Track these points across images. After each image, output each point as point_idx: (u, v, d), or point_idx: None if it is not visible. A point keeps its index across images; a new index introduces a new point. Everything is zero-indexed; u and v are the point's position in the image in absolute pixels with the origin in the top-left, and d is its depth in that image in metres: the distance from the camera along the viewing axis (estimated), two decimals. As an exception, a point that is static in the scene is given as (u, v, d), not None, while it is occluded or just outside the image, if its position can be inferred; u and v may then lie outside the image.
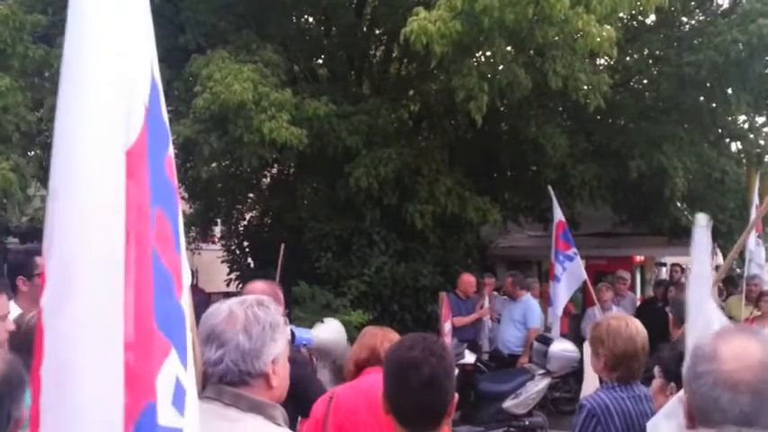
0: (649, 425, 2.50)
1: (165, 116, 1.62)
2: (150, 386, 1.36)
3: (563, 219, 8.45)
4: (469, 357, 8.52)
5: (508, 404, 7.65)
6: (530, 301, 8.93)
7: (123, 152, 1.39)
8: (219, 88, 7.46)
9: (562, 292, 8.40)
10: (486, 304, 9.28)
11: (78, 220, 1.35)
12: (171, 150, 1.60)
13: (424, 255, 10.43)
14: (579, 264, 8.27)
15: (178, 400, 1.43)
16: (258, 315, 1.85)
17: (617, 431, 2.83)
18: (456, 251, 10.85)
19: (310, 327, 9.09)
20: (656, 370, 2.76)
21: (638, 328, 3.01)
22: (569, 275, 8.32)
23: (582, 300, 11.33)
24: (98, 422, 1.29)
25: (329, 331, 4.54)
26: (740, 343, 1.50)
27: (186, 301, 1.56)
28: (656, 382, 2.75)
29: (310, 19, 11.29)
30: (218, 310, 1.85)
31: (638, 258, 14.45)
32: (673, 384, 2.61)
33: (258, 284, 3.24)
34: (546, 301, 10.50)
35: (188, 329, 1.55)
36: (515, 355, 8.66)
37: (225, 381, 1.79)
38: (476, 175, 10.57)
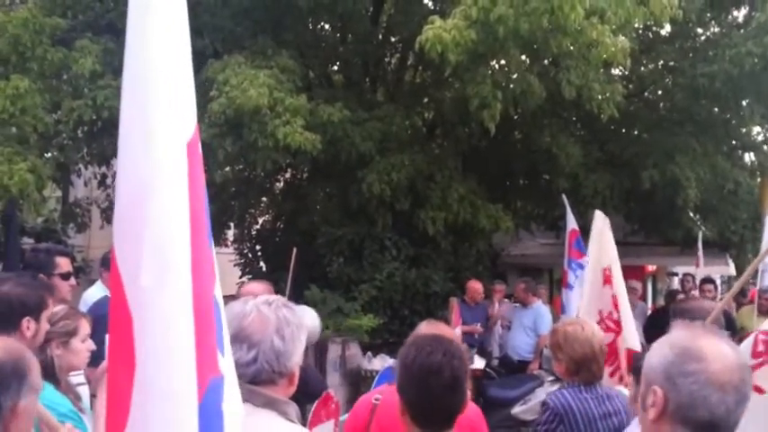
0: None
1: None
2: (214, 362, 1.42)
3: (576, 227, 8.45)
4: (479, 363, 8.53)
5: (517, 410, 7.65)
6: (541, 308, 8.94)
7: (185, 144, 1.44)
8: (235, 93, 7.53)
9: (574, 300, 8.40)
10: (496, 310, 9.31)
11: (162, 210, 1.39)
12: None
13: (436, 261, 10.46)
14: (591, 272, 8.26)
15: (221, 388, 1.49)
16: (288, 317, 1.91)
17: (578, 429, 2.90)
18: (467, 258, 10.87)
19: (321, 332, 9.19)
20: (632, 379, 2.81)
21: (593, 331, 3.11)
22: (581, 284, 8.31)
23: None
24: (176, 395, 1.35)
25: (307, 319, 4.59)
26: (717, 344, 1.59)
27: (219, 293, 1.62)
28: (632, 390, 2.79)
29: (326, 26, 11.37)
30: (245, 310, 1.89)
31: (650, 268, 14.42)
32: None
33: (255, 285, 3.25)
34: (556, 308, 10.50)
35: (223, 320, 1.60)
36: (525, 361, 8.67)
37: (256, 380, 1.83)
38: (488, 182, 10.59)
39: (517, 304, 9.38)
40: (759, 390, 2.07)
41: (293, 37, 9.73)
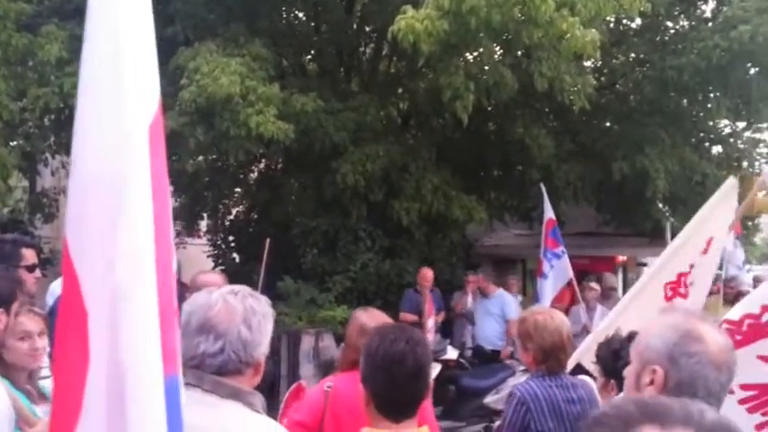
0: None
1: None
2: (176, 357, 1.40)
3: (553, 217, 8.52)
4: (452, 353, 8.60)
5: (489, 400, 7.73)
6: (504, 295, 9.07)
7: (147, 127, 1.40)
8: (206, 81, 7.45)
9: (549, 290, 8.48)
10: (470, 302, 9.37)
11: (119, 197, 1.35)
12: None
13: (410, 252, 10.48)
14: (566, 262, 8.34)
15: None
16: (254, 306, 1.89)
17: (545, 417, 2.96)
18: (441, 249, 10.90)
19: (294, 323, 9.20)
20: (597, 369, 2.86)
21: (562, 320, 3.16)
22: (556, 273, 8.40)
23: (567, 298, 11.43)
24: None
25: None
26: (710, 328, 1.72)
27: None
28: (599, 380, 2.85)
29: (300, 14, 11.29)
30: (210, 301, 1.86)
31: (621, 258, 14.59)
32: (613, 381, 2.69)
33: (210, 276, 3.21)
34: (529, 298, 10.59)
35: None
36: (498, 350, 8.75)
37: (223, 371, 1.82)
38: (462, 173, 10.62)
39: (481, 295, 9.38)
40: None
41: (266, 25, 9.65)
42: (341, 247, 10.07)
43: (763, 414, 2.31)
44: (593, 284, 9.53)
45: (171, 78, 8.62)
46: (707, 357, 1.65)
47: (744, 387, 2.27)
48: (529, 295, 11.32)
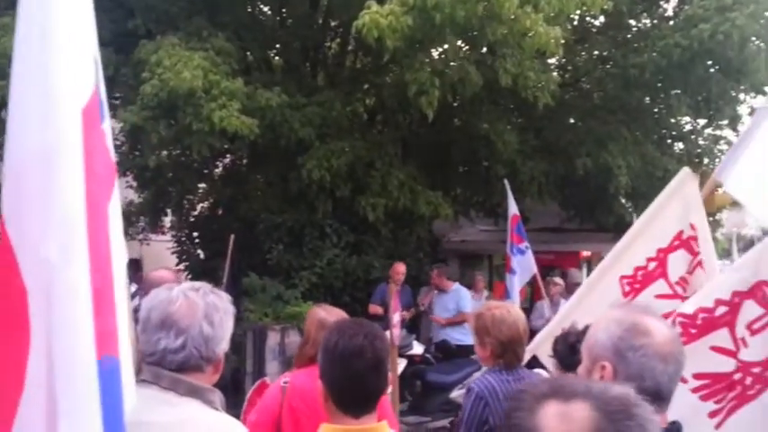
0: None
1: (104, 90, 1.63)
2: (114, 340, 1.38)
3: (517, 212, 8.59)
4: (418, 348, 8.63)
5: (455, 394, 7.77)
6: (460, 290, 9.11)
7: (80, 110, 1.39)
8: (168, 75, 7.35)
9: (516, 285, 8.56)
10: (436, 296, 9.40)
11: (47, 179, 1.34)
12: (107, 125, 1.61)
13: (376, 248, 10.48)
14: (530, 257, 8.42)
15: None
16: (216, 302, 1.89)
17: (503, 411, 2.96)
18: (408, 244, 10.93)
19: (260, 319, 9.13)
20: (553, 363, 2.89)
21: (519, 314, 3.19)
22: (521, 268, 8.48)
23: (531, 293, 11.55)
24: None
25: None
26: (655, 320, 1.73)
27: (121, 282, 1.57)
28: (556, 374, 2.88)
29: (265, 8, 11.19)
30: (171, 297, 1.85)
31: (585, 253, 14.77)
32: (569, 375, 2.72)
33: (162, 272, 3.18)
34: (497, 294, 10.66)
35: (124, 309, 1.56)
36: (462, 345, 8.80)
37: (184, 367, 1.81)
38: (428, 169, 10.65)
39: (436, 291, 9.42)
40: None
41: (230, 19, 9.54)
42: (307, 242, 10.03)
43: (716, 402, 2.36)
44: (558, 279, 9.65)
45: (132, 72, 8.51)
46: (653, 349, 1.66)
47: (697, 376, 2.32)
48: (496, 291, 11.42)
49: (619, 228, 11.53)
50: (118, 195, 1.59)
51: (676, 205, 3.46)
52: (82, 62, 1.44)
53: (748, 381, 2.35)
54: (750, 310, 2.39)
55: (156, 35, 8.47)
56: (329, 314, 3.11)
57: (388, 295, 8.68)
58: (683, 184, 3.49)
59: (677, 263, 3.44)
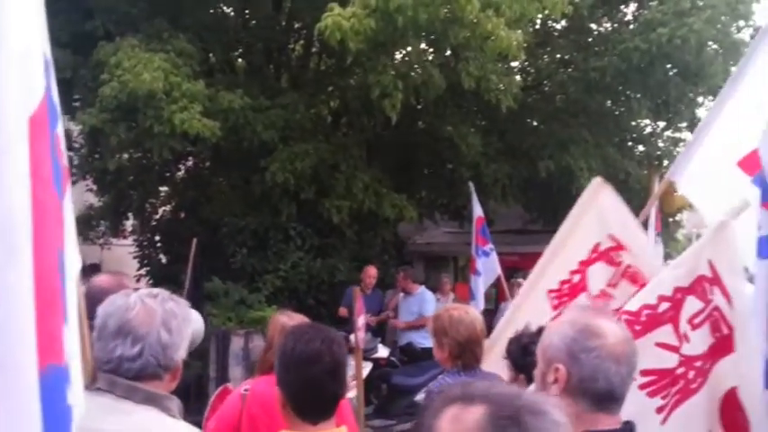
0: None
1: (56, 93, 1.58)
2: (60, 348, 1.33)
3: (482, 215, 8.63)
4: (383, 351, 8.62)
5: (420, 397, 7.77)
6: (425, 293, 9.12)
7: (27, 118, 1.34)
8: (128, 77, 7.26)
9: (481, 287, 8.60)
10: (401, 299, 9.40)
11: None
12: (60, 129, 1.56)
13: (341, 250, 10.45)
14: (495, 259, 8.47)
15: (68, 377, 1.40)
16: (174, 309, 1.86)
17: None
18: (373, 247, 10.92)
19: (223, 324, 9.03)
20: (506, 364, 2.91)
21: (476, 315, 3.23)
22: (485, 270, 8.52)
23: (495, 295, 11.63)
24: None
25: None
26: (607, 321, 1.74)
27: (72, 287, 1.53)
28: (509, 376, 2.90)
29: (227, 9, 11.09)
30: (129, 303, 1.82)
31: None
32: (522, 376, 2.74)
33: (104, 278, 3.08)
34: (461, 295, 10.70)
35: (74, 316, 1.52)
36: (427, 348, 8.80)
37: (141, 375, 1.77)
38: (393, 171, 10.66)
39: (402, 293, 9.44)
40: None
41: (192, 20, 9.43)
42: (271, 246, 9.96)
43: (663, 398, 2.39)
44: (521, 281, 9.72)
45: (91, 74, 8.36)
46: (605, 351, 1.67)
47: (644, 373, 2.35)
48: (460, 292, 11.46)
49: (581, 229, 11.70)
50: (71, 201, 1.55)
51: (591, 217, 3.42)
52: (30, 67, 1.39)
53: (691, 374, 2.39)
54: (691, 305, 2.42)
55: (115, 36, 8.34)
56: (292, 320, 3.08)
57: (353, 298, 8.66)
58: (597, 195, 3.45)
59: (596, 276, 3.40)
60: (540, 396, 0.97)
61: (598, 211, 3.40)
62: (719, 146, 3.33)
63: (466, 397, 0.96)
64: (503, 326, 3.58)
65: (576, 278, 3.44)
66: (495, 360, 3.20)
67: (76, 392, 1.45)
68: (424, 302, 8.95)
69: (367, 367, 7.92)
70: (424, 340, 8.76)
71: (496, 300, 11.46)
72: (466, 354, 3.09)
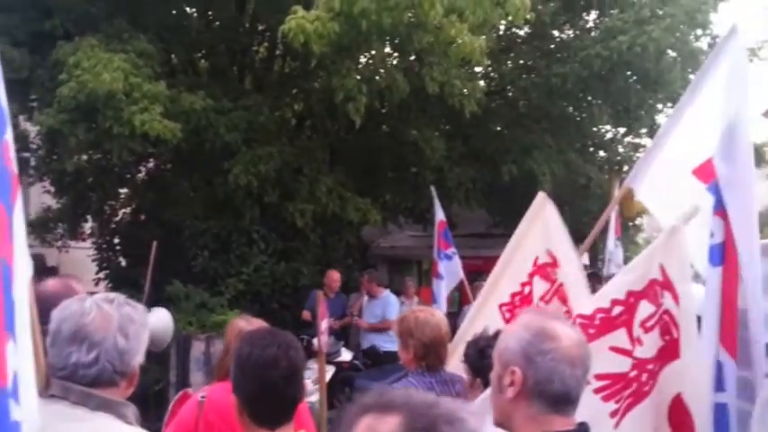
0: None
1: (4, 97, 1.54)
2: (2, 369, 1.30)
3: (444, 218, 8.67)
4: (346, 355, 8.61)
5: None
6: (389, 297, 9.15)
7: None
8: (87, 77, 7.13)
9: (443, 290, 8.63)
10: (365, 302, 9.40)
11: None
12: (9, 135, 1.53)
13: (305, 254, 10.41)
14: (457, 263, 8.50)
15: (15, 393, 1.38)
16: (131, 314, 1.83)
17: None
18: (336, 250, 10.91)
19: (184, 328, 8.91)
20: (464, 367, 2.94)
21: (441, 317, 3.26)
22: (448, 274, 8.56)
23: (458, 298, 11.69)
24: None
25: (154, 321, 4.38)
26: (562, 324, 1.77)
27: (23, 295, 1.50)
28: (467, 379, 2.93)
29: (190, 10, 10.97)
30: (84, 308, 1.78)
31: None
32: (479, 380, 2.77)
33: (51, 282, 2.99)
34: (425, 298, 10.74)
35: (25, 324, 1.49)
36: (390, 352, 8.81)
37: (97, 382, 1.74)
38: (357, 175, 10.66)
39: (366, 296, 9.44)
40: None
41: (153, 20, 9.30)
42: (234, 249, 9.86)
43: (617, 402, 2.42)
44: (484, 284, 9.79)
45: (49, 74, 8.20)
46: (560, 354, 1.69)
47: (598, 377, 2.37)
48: (424, 295, 11.50)
49: (543, 233, 11.84)
50: (23, 206, 1.52)
51: (536, 230, 3.46)
52: None
53: (643, 377, 2.42)
54: (644, 308, 2.44)
55: (74, 36, 8.19)
56: (250, 324, 3.04)
57: (316, 302, 8.62)
58: (542, 209, 3.50)
59: (537, 289, 3.45)
60: (456, 404, 0.96)
61: (542, 225, 3.43)
62: (677, 154, 3.38)
63: (382, 406, 0.94)
64: (461, 335, 3.60)
65: (527, 290, 3.48)
66: (456, 364, 3.21)
67: (27, 407, 1.42)
68: (388, 306, 8.96)
69: (330, 371, 7.90)
70: (386, 344, 8.78)
71: (460, 303, 11.52)
72: (431, 355, 3.11)
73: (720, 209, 2.59)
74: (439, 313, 3.31)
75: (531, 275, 3.46)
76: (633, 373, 2.41)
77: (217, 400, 2.87)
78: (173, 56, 10.13)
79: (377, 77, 8.20)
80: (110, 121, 7.46)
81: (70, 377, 1.75)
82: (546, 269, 3.41)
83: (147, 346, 1.87)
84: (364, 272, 9.94)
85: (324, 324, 7.95)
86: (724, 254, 2.54)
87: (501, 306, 3.55)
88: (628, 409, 2.41)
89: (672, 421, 2.37)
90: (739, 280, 2.52)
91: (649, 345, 2.41)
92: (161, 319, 4.53)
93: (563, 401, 1.70)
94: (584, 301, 2.76)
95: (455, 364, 3.20)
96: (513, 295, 3.53)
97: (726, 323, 2.49)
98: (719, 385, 2.44)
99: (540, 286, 3.44)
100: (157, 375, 8.29)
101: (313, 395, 6.18)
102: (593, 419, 2.13)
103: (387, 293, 9.19)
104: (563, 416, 1.71)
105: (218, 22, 10.66)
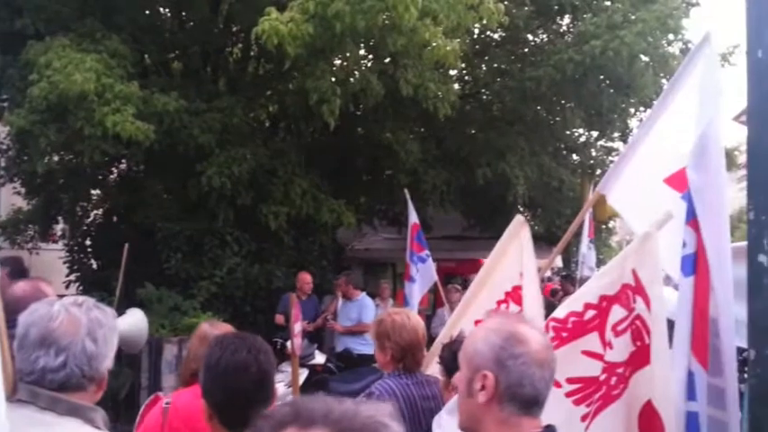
0: (435, 420, 2.71)
1: None
2: None
3: (417, 221, 8.69)
4: (320, 358, 8.58)
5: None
6: (365, 299, 9.15)
7: None
8: (58, 77, 7.03)
9: (416, 293, 8.64)
10: (340, 304, 9.38)
11: None
12: None
13: (278, 256, 10.37)
14: (431, 265, 8.52)
15: None
16: (100, 318, 1.82)
17: (402, 413, 3.03)
18: (311, 253, 10.87)
19: (156, 331, 8.83)
20: (439, 369, 2.96)
21: (418, 320, 3.29)
22: (422, 277, 8.57)
23: (433, 300, 11.73)
24: None
25: (129, 323, 4.34)
26: (529, 328, 1.79)
27: None
28: (441, 380, 2.96)
29: (163, 10, 10.87)
30: (52, 312, 1.77)
31: (485, 261, 15.17)
32: (453, 381, 2.80)
33: (20, 285, 2.94)
34: (400, 302, 10.75)
35: None
36: (364, 355, 8.81)
37: (65, 387, 1.72)
38: (331, 177, 10.64)
39: (343, 299, 9.43)
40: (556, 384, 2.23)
41: (126, 21, 9.20)
42: (207, 251, 9.79)
43: (587, 405, 2.44)
44: (458, 287, 9.85)
45: (20, 74, 8.08)
46: (531, 357, 1.72)
47: (570, 381, 2.39)
48: (399, 298, 11.52)
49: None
50: None
51: (513, 251, 3.44)
52: None
53: (613, 381, 2.43)
54: (616, 313, 2.46)
55: (45, 36, 8.07)
56: (215, 329, 3.00)
57: (289, 305, 8.58)
58: (518, 232, 3.45)
59: (513, 309, 3.43)
60: (377, 408, 0.92)
61: (517, 246, 3.46)
62: (649, 161, 3.41)
63: (302, 419, 0.89)
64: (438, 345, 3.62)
65: (503, 308, 3.47)
66: (435, 368, 3.24)
67: None
68: (363, 308, 8.96)
69: (304, 374, 7.88)
70: (361, 347, 8.78)
71: (434, 305, 11.56)
72: (407, 358, 3.14)
73: (692, 218, 2.59)
74: (415, 316, 3.32)
75: (508, 295, 3.47)
76: (603, 377, 2.43)
77: (182, 406, 2.82)
78: (146, 56, 10.02)
79: (351, 80, 8.19)
80: (81, 122, 7.36)
81: (38, 382, 1.73)
82: (518, 291, 3.43)
83: (123, 348, 1.86)
84: (342, 274, 9.92)
85: (297, 327, 7.93)
86: (696, 264, 2.55)
87: (476, 323, 3.56)
88: (597, 412, 2.43)
89: (642, 427, 2.39)
90: (711, 289, 2.52)
91: (620, 349, 2.43)
92: (137, 320, 4.47)
93: (533, 404, 1.73)
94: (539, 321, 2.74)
95: (434, 366, 3.22)
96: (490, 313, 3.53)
97: (697, 332, 2.49)
98: (691, 394, 2.45)
99: (513, 308, 3.45)
100: (129, 379, 8.20)
101: (286, 398, 6.16)
102: (565, 423, 2.15)
103: (363, 296, 9.18)
104: (531, 418, 1.74)
105: (191, 23, 10.57)
